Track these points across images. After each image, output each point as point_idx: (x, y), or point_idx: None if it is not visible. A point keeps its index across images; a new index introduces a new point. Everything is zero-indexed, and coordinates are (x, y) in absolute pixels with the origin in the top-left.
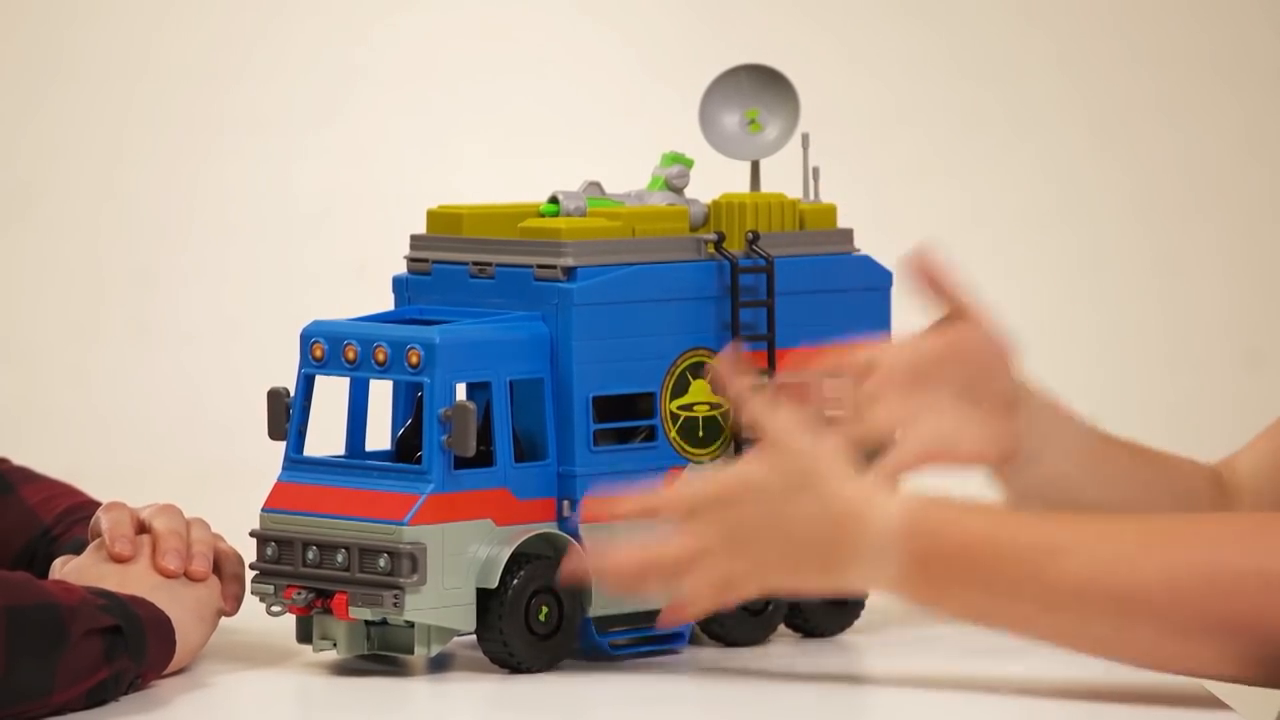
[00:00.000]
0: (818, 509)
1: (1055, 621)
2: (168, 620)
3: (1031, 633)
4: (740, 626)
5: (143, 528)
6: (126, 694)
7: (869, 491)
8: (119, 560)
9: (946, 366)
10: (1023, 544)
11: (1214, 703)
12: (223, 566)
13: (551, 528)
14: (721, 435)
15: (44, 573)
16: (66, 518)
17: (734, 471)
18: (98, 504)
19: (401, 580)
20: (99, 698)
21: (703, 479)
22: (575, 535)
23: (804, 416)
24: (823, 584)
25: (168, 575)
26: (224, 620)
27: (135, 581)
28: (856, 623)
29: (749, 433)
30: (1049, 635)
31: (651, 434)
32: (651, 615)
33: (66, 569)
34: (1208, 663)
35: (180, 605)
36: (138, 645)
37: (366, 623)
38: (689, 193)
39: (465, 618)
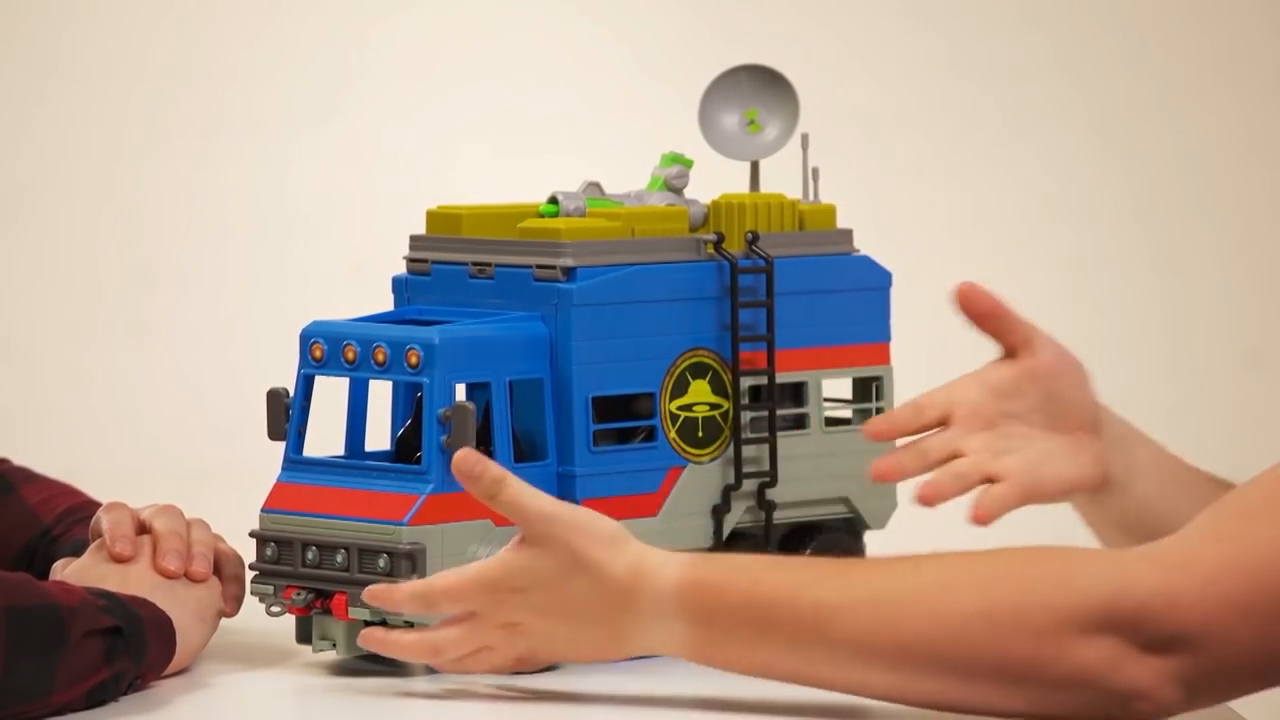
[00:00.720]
0: (592, 587)
1: (844, 675)
2: (168, 621)
3: (823, 685)
4: None
5: (143, 528)
6: (126, 694)
7: (640, 562)
8: (119, 560)
9: (1024, 396)
10: (801, 603)
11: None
12: (223, 567)
13: None
14: (721, 435)
15: (44, 573)
16: (67, 518)
17: (504, 562)
18: (98, 504)
19: (401, 580)
20: (99, 698)
21: (475, 570)
22: None
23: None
24: (610, 655)
25: (168, 576)
26: (224, 621)
27: (136, 582)
28: None
29: (511, 517)
30: (841, 687)
31: (651, 434)
32: None
33: (68, 570)
34: (997, 703)
35: (181, 606)
36: (138, 646)
37: (366, 623)
38: (688, 193)
39: None
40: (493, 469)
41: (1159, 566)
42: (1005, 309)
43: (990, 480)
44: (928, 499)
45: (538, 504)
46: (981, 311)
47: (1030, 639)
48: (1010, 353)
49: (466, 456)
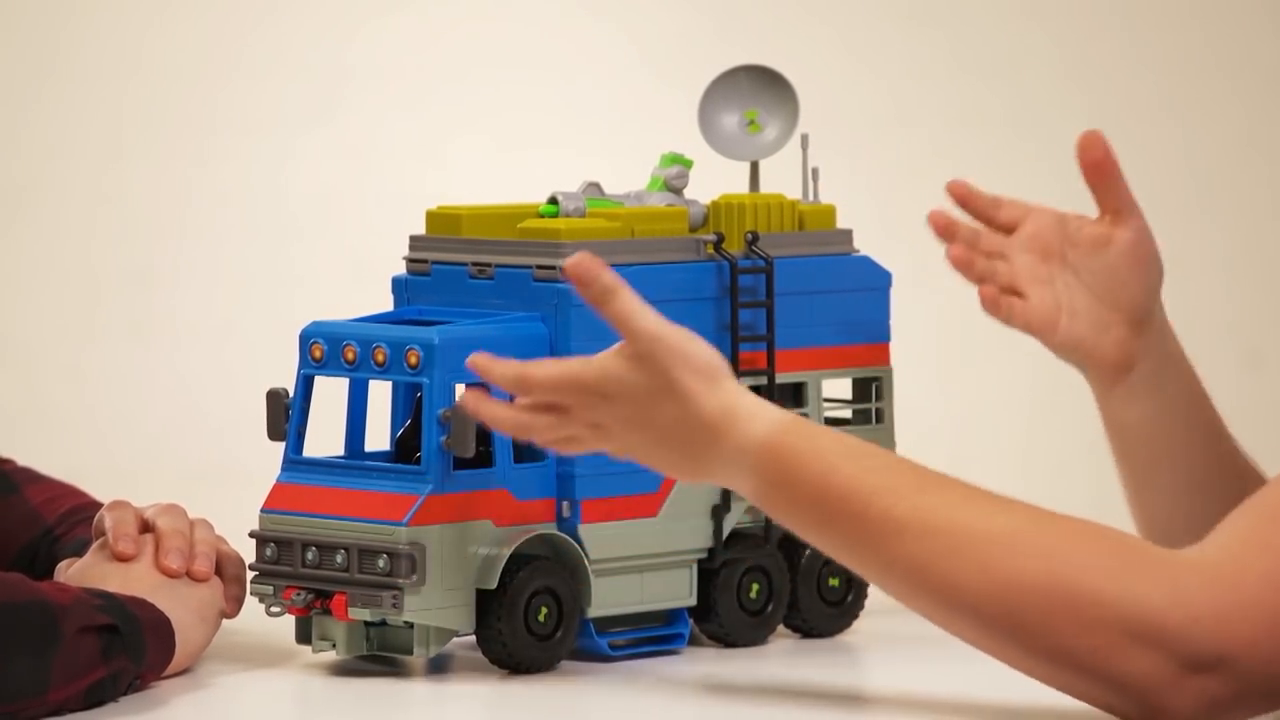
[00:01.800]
0: (679, 415)
1: (890, 586)
2: (167, 621)
3: (868, 581)
4: (740, 627)
5: (146, 527)
6: (126, 694)
7: (732, 406)
8: (121, 559)
9: (1090, 255)
10: (868, 510)
11: None
12: (224, 568)
13: (551, 528)
14: None
15: (46, 572)
16: (69, 518)
17: (603, 366)
18: (95, 503)
19: (400, 581)
20: (98, 697)
21: (572, 367)
22: (575, 536)
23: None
24: (684, 478)
25: (170, 574)
26: (224, 621)
27: (137, 581)
28: (856, 623)
29: (617, 328)
30: (887, 592)
31: None
32: (651, 616)
33: (70, 571)
34: (1022, 666)
35: (182, 605)
36: (136, 646)
37: (365, 623)
38: (688, 193)
39: (464, 618)
40: (607, 276)
41: (1212, 584)
42: (1116, 170)
43: (1014, 293)
44: (944, 230)
45: (645, 321)
46: (1093, 160)
47: (1077, 628)
48: (1102, 214)
49: (584, 258)
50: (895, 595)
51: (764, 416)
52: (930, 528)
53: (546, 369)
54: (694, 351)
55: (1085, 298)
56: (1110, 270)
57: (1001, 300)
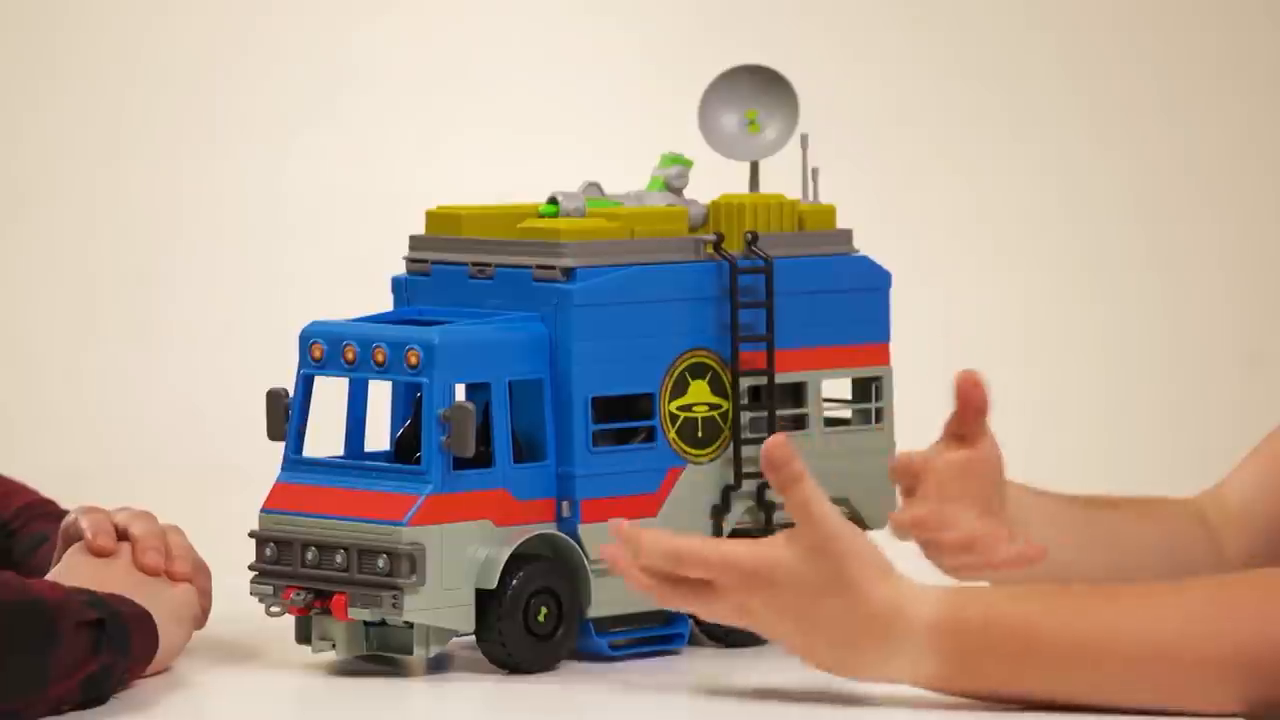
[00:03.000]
0: (845, 611)
1: (1103, 697)
2: (149, 615)
3: (1079, 707)
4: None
5: (120, 533)
6: (116, 690)
7: (898, 595)
8: (100, 553)
9: (971, 481)
10: (1066, 635)
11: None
12: (195, 578)
13: (551, 528)
14: (720, 435)
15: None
16: (25, 513)
17: (769, 554)
18: (55, 503)
19: (400, 581)
20: (93, 692)
21: (733, 550)
22: (575, 536)
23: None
24: (842, 674)
25: (149, 571)
26: (223, 621)
27: (115, 581)
28: None
29: (791, 515)
30: (1097, 705)
31: (651, 435)
32: (651, 615)
33: (47, 576)
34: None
35: (159, 605)
36: (121, 639)
37: (365, 623)
38: (688, 193)
39: (464, 618)
40: (797, 464)
41: None
42: (987, 408)
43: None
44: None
45: (825, 513)
46: (975, 408)
47: None
48: (951, 438)
49: (780, 444)
50: (1104, 699)
51: (929, 598)
52: (1127, 632)
53: (706, 551)
54: (869, 551)
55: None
56: (989, 484)
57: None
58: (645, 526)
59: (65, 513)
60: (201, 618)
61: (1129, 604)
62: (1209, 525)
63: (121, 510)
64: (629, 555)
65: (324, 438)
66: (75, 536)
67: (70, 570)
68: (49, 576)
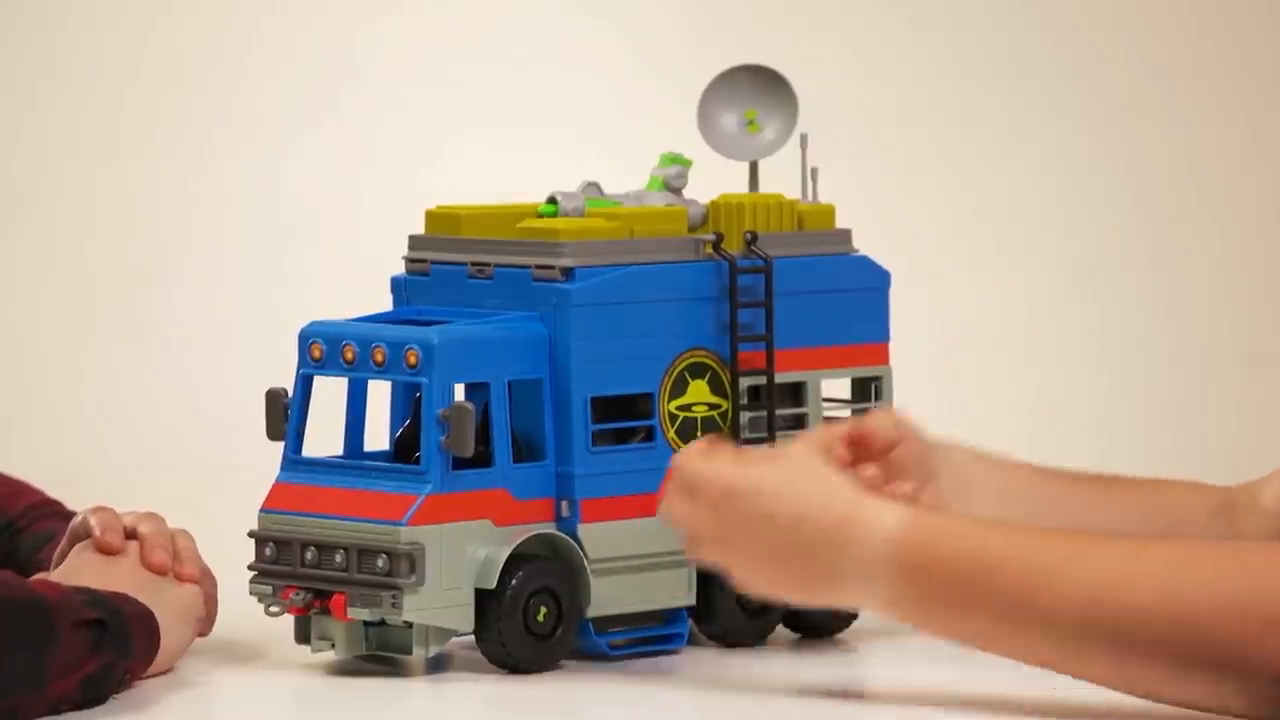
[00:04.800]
0: (813, 509)
1: (1053, 646)
2: (151, 615)
3: (1029, 657)
4: (740, 627)
5: (128, 533)
6: (118, 690)
7: (865, 500)
8: (108, 551)
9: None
10: (1020, 562)
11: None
12: (200, 583)
13: (550, 528)
14: (720, 436)
15: (5, 563)
16: (31, 512)
17: (739, 465)
18: (61, 504)
19: (400, 581)
20: (93, 692)
21: (712, 460)
22: (574, 536)
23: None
24: (809, 594)
25: (156, 569)
26: (223, 621)
27: (121, 580)
28: (856, 623)
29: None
30: (1047, 660)
31: (650, 434)
32: (650, 615)
33: (52, 574)
34: (1209, 696)
35: (164, 605)
36: (123, 639)
37: (365, 623)
38: (687, 193)
39: (463, 618)
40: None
41: None
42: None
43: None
44: None
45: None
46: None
47: (1259, 628)
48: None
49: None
50: (1056, 660)
51: (890, 509)
52: (1090, 570)
53: (685, 461)
54: (827, 467)
55: None
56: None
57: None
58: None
59: (72, 513)
60: (206, 623)
61: (1090, 538)
62: (1234, 513)
63: (130, 511)
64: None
65: (323, 438)
66: (83, 535)
67: (77, 568)
68: (53, 573)
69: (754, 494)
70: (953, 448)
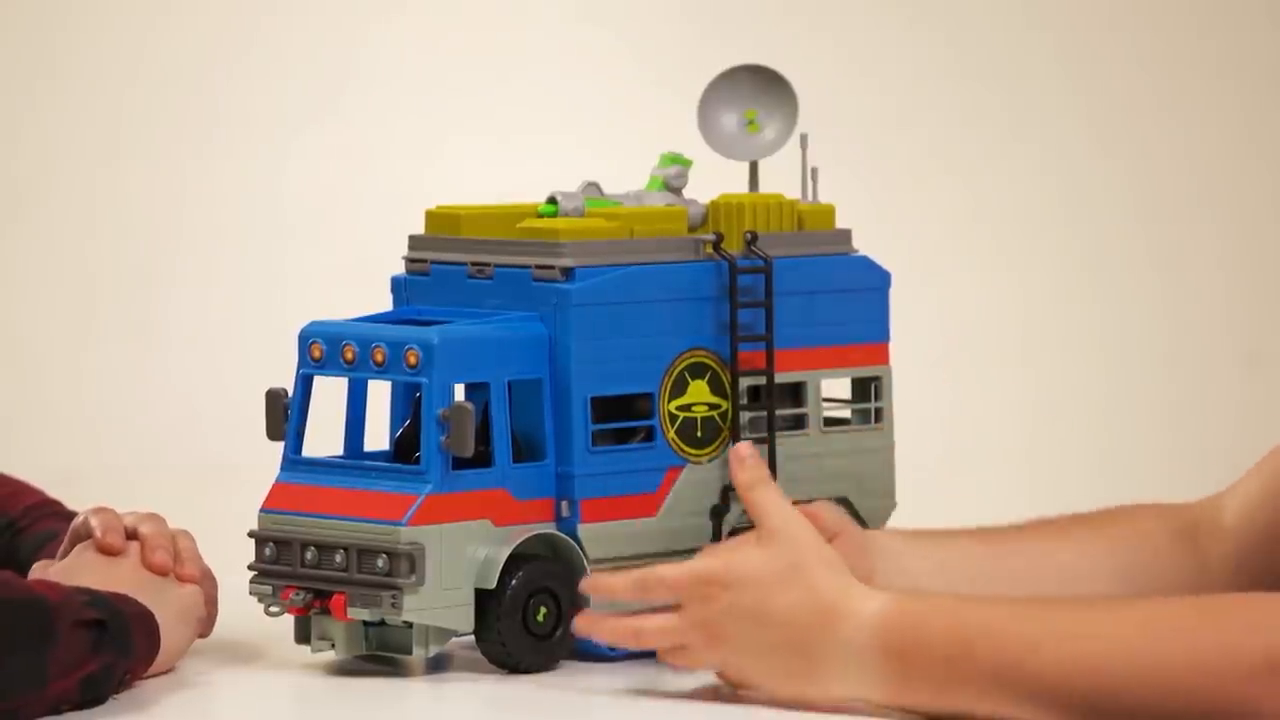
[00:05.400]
0: (799, 602)
1: (1040, 718)
2: (151, 615)
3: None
4: None
5: (129, 533)
6: (118, 691)
7: (848, 588)
8: (109, 552)
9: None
10: (999, 638)
11: None
12: (201, 584)
13: (550, 528)
14: (720, 435)
15: (5, 562)
16: (33, 512)
17: (728, 553)
18: (62, 504)
19: (400, 581)
20: (93, 692)
21: (695, 562)
22: (574, 536)
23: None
24: (796, 687)
25: (156, 570)
26: (223, 620)
27: (122, 580)
28: None
29: (749, 511)
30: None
31: (650, 434)
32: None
33: (52, 570)
34: None
35: (164, 606)
36: (123, 639)
37: (365, 623)
38: (687, 193)
39: (463, 618)
40: (764, 467)
41: None
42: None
43: None
44: None
45: (779, 505)
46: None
47: (1238, 682)
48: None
49: (750, 447)
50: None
51: (877, 594)
52: (1067, 636)
53: (669, 569)
54: (821, 545)
55: None
56: None
57: None
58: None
59: (73, 513)
60: (207, 624)
61: (1071, 608)
62: (1195, 537)
63: (132, 512)
64: (592, 621)
65: (323, 438)
66: (84, 535)
67: (77, 568)
68: (54, 572)
69: (751, 586)
70: (885, 534)
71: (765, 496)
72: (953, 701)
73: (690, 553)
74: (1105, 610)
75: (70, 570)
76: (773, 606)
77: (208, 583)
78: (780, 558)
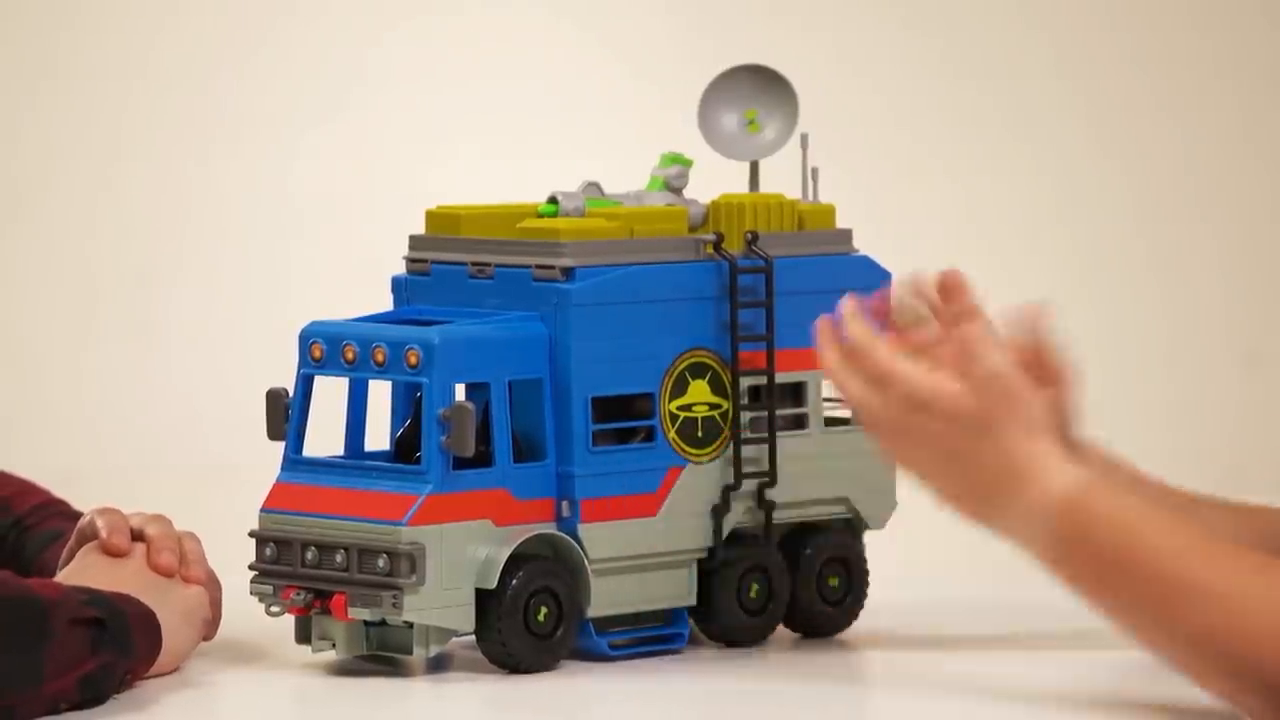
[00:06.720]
0: (988, 458)
1: (1173, 653)
2: (153, 615)
3: (1152, 650)
4: (740, 627)
5: (135, 535)
6: (119, 690)
7: (1045, 455)
8: (115, 553)
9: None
10: (1163, 570)
11: (1230, 714)
12: (205, 587)
13: (550, 528)
14: (720, 435)
15: (11, 561)
16: (39, 511)
17: (937, 381)
18: (68, 504)
19: (400, 581)
20: (92, 691)
21: (911, 373)
22: (575, 536)
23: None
24: (974, 510)
25: (162, 571)
26: (223, 620)
27: (127, 581)
28: (856, 623)
29: (960, 348)
30: (1168, 658)
31: (650, 434)
32: (651, 616)
33: (59, 575)
34: None
35: (170, 607)
36: (123, 639)
37: (365, 623)
38: (688, 193)
39: (464, 618)
40: (974, 296)
41: None
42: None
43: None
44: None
45: (990, 351)
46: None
47: None
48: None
49: (959, 273)
50: (1173, 658)
51: (1068, 474)
52: (1227, 594)
53: (899, 367)
54: (1025, 396)
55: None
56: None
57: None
58: (644, 522)
59: (79, 513)
60: (210, 627)
61: (1231, 558)
62: None
63: (138, 513)
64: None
65: (324, 438)
66: (91, 536)
67: (83, 569)
68: (59, 573)
69: (948, 417)
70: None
71: (977, 333)
72: (1102, 603)
73: (691, 553)
74: (1264, 578)
75: (75, 571)
76: (960, 448)
77: (212, 586)
78: (980, 407)
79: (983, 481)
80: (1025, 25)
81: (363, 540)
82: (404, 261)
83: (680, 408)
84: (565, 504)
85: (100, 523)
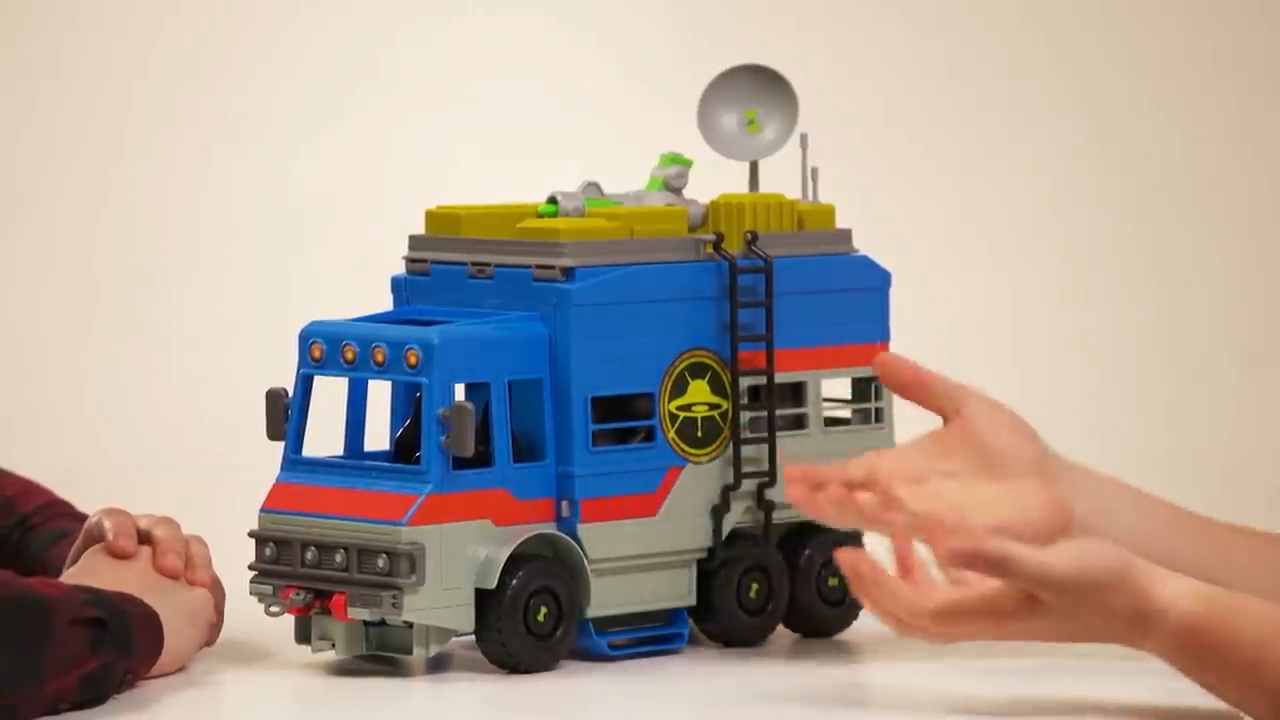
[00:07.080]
0: (1121, 604)
1: None
2: (155, 616)
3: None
4: (740, 627)
5: (142, 536)
6: (121, 690)
7: (1160, 588)
8: (120, 555)
9: (958, 455)
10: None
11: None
12: (210, 591)
13: (550, 528)
14: (720, 435)
15: (14, 560)
16: (45, 511)
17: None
18: (72, 505)
19: (400, 581)
20: (93, 691)
21: (1024, 547)
22: (574, 536)
23: None
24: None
25: (167, 573)
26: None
27: (131, 583)
28: (856, 623)
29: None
30: None
31: (650, 434)
32: (651, 615)
33: (65, 575)
34: None
35: (174, 609)
36: (124, 639)
37: (365, 623)
38: (688, 193)
39: (464, 618)
40: (995, 545)
41: None
42: (927, 377)
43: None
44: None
45: (1058, 565)
46: (903, 382)
47: None
48: (944, 418)
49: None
50: None
51: (1183, 593)
52: None
53: (1022, 554)
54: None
55: (986, 488)
56: (983, 453)
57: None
58: (644, 522)
59: (84, 514)
60: (214, 631)
61: None
62: None
63: (146, 515)
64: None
65: (324, 438)
66: (97, 537)
67: (88, 570)
68: (65, 574)
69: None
70: (1100, 476)
71: (1033, 568)
72: (1225, 696)
73: (690, 553)
74: None
75: (80, 572)
76: (1091, 609)
77: (216, 591)
78: (1099, 565)
79: (1108, 630)
80: (1024, 25)
81: (362, 540)
82: (404, 261)
83: (680, 408)
84: (565, 504)
85: (107, 524)
